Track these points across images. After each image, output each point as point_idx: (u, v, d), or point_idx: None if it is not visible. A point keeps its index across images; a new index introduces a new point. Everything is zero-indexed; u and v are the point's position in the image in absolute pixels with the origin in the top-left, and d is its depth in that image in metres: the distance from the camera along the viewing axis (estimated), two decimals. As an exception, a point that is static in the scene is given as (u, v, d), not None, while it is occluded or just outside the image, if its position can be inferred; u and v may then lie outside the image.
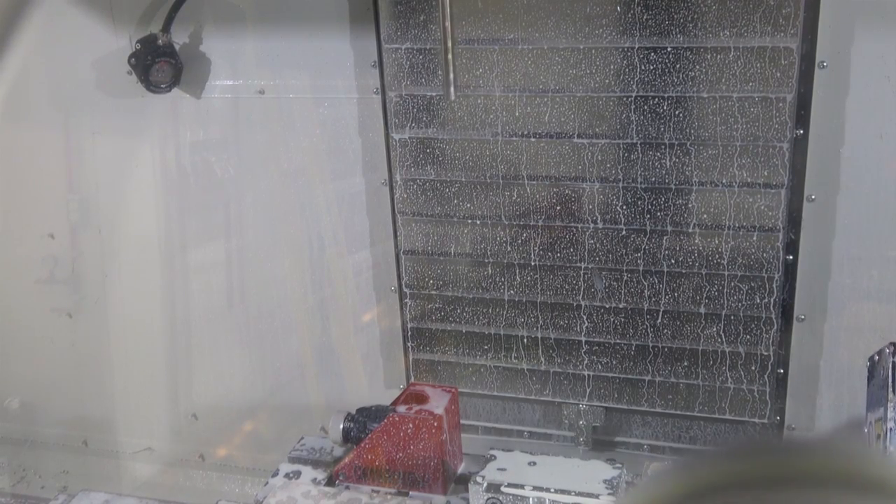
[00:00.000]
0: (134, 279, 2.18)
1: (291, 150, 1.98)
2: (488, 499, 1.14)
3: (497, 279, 1.85)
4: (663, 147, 1.68)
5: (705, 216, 1.69)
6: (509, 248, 1.82)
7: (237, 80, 1.97)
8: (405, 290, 1.92)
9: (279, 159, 2.00)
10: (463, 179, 1.81)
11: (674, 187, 1.69)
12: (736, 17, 1.57)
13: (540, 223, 1.78)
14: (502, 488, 1.13)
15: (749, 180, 1.64)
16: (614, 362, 1.81)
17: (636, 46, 1.64)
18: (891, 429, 1.05)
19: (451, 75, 1.30)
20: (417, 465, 1.27)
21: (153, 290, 2.17)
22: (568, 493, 1.10)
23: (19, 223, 2.24)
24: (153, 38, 1.91)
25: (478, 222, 1.82)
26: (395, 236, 1.90)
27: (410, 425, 1.28)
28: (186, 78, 1.96)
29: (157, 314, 2.17)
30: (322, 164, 1.97)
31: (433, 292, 1.90)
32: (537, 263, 1.81)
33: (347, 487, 1.28)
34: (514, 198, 1.79)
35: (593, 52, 1.67)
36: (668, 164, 1.68)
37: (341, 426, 1.40)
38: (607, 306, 1.79)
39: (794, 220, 1.65)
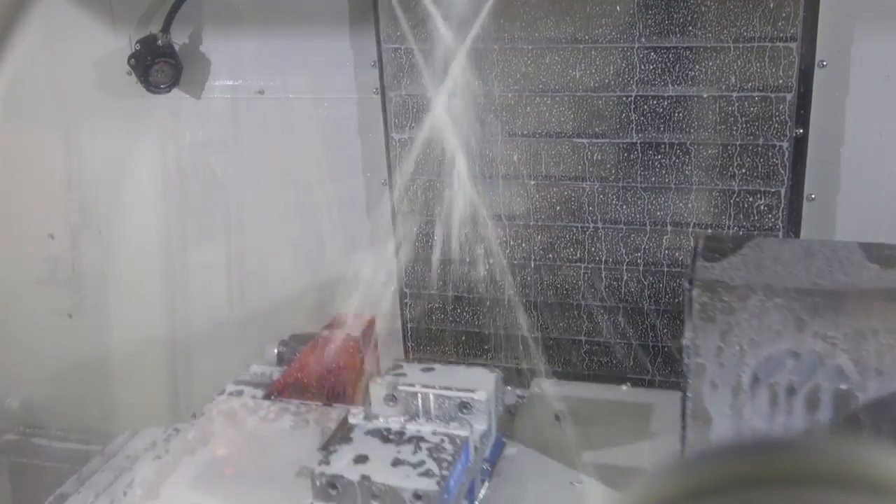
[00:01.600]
0: (134, 279, 2.18)
1: (291, 150, 1.98)
2: (385, 395, 1.31)
3: (497, 279, 1.85)
4: (663, 147, 1.68)
5: (705, 216, 1.69)
6: (510, 248, 1.82)
7: (237, 80, 1.97)
8: (405, 290, 1.92)
9: (279, 159, 2.00)
10: (463, 178, 1.81)
11: (674, 187, 1.69)
12: (736, 17, 1.57)
13: (540, 223, 1.79)
14: (398, 387, 1.32)
15: (749, 180, 1.64)
16: (614, 362, 1.81)
17: (636, 46, 1.64)
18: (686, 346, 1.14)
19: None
20: (339, 381, 1.44)
21: (153, 291, 2.17)
22: (450, 388, 1.32)
23: (19, 223, 2.24)
24: (153, 39, 1.91)
25: (478, 221, 1.82)
26: (395, 236, 1.91)
27: (332, 346, 1.45)
28: (186, 78, 1.96)
29: (157, 314, 2.17)
30: (322, 164, 1.97)
31: (433, 292, 1.90)
32: (539, 263, 1.81)
33: (281, 401, 1.48)
34: (513, 197, 1.79)
35: (593, 51, 1.67)
36: (668, 163, 1.68)
37: (276, 350, 1.60)
38: (607, 305, 1.79)
39: (794, 220, 1.65)
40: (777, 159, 1.62)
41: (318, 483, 1.17)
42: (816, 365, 1.14)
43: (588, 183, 1.74)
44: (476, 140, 1.78)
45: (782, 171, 1.62)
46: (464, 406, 1.31)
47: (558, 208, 1.77)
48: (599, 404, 1.52)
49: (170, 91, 1.95)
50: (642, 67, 1.64)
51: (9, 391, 2.34)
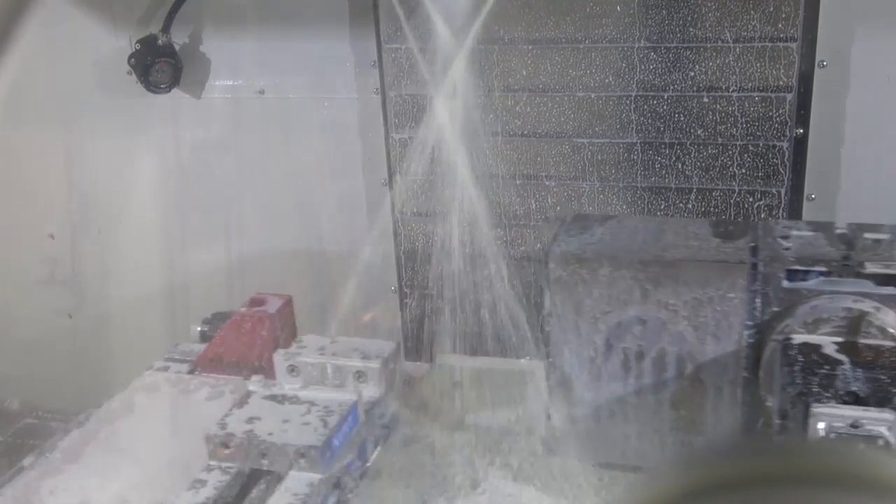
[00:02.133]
0: (134, 279, 2.18)
1: (291, 150, 1.98)
2: (288, 365, 1.41)
3: (497, 278, 1.85)
4: (663, 147, 1.68)
5: (705, 216, 1.69)
6: (509, 247, 1.82)
7: (237, 80, 1.97)
8: (405, 290, 1.92)
9: (279, 159, 2.00)
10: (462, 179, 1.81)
11: (674, 187, 1.69)
12: (736, 17, 1.57)
13: (540, 223, 1.79)
14: (298, 358, 1.41)
15: (749, 180, 1.65)
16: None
17: (636, 46, 1.64)
18: None
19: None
20: (255, 356, 1.50)
21: (153, 291, 2.17)
22: (351, 358, 1.41)
23: (19, 223, 2.24)
24: (153, 39, 1.91)
25: (479, 221, 1.82)
26: (395, 236, 1.91)
27: (248, 323, 1.52)
28: (186, 78, 1.96)
29: (157, 314, 2.17)
30: (322, 164, 1.97)
31: (433, 292, 1.90)
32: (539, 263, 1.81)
33: (202, 375, 1.56)
34: (513, 197, 1.79)
35: (593, 51, 1.67)
36: (668, 163, 1.68)
37: (198, 328, 1.69)
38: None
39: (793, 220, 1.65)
40: (777, 159, 1.62)
41: (212, 443, 1.27)
42: (660, 330, 1.23)
43: (588, 183, 1.74)
44: (476, 140, 1.78)
45: (782, 171, 1.62)
46: (359, 374, 1.40)
47: (558, 208, 1.77)
48: (495, 374, 1.58)
49: (170, 91, 1.95)
50: (642, 67, 1.64)
51: (9, 391, 2.34)
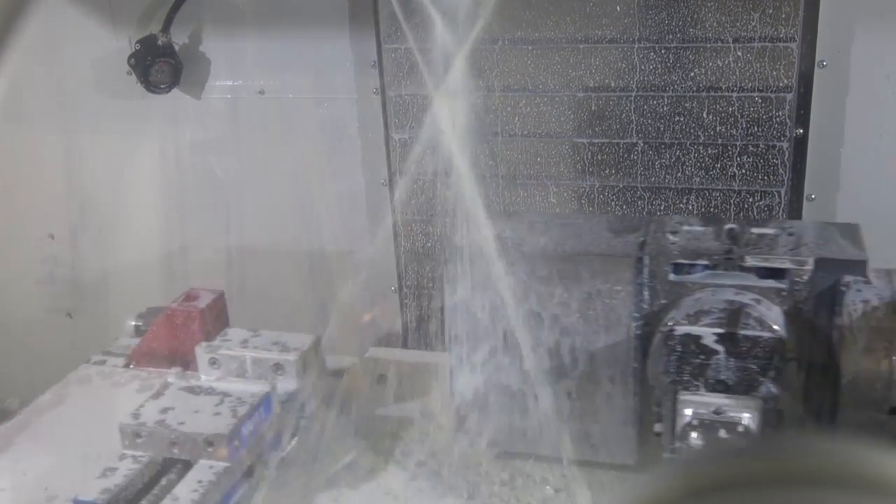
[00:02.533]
0: (134, 279, 2.18)
1: (291, 150, 1.98)
2: (209, 358, 1.45)
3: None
4: (663, 147, 1.68)
5: (705, 216, 1.69)
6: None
7: (237, 80, 1.97)
8: (405, 290, 1.92)
9: (279, 159, 2.00)
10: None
11: (673, 187, 1.69)
12: (736, 17, 1.57)
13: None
14: (219, 351, 1.46)
15: (749, 180, 1.65)
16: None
17: (636, 46, 1.64)
18: None
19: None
20: (187, 350, 1.53)
21: (153, 291, 2.17)
22: (270, 351, 1.46)
23: (19, 223, 2.24)
24: (153, 39, 1.91)
25: (479, 221, 1.82)
26: (395, 236, 1.91)
27: (179, 317, 1.55)
28: (186, 78, 1.96)
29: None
30: (322, 164, 1.97)
31: (433, 292, 1.90)
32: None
33: (135, 369, 1.61)
34: (513, 197, 1.79)
35: (593, 51, 1.67)
36: (668, 164, 1.68)
37: (133, 323, 1.73)
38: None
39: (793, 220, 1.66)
40: (777, 159, 1.62)
41: (124, 432, 1.31)
42: (555, 323, 1.27)
43: (588, 183, 1.74)
44: (476, 140, 1.78)
45: (782, 171, 1.62)
46: (277, 367, 1.45)
47: (558, 209, 1.77)
48: (420, 367, 1.62)
49: (170, 91, 1.95)
50: (642, 67, 1.64)
51: (8, 391, 2.34)
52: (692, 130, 1.65)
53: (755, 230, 1.29)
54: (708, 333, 1.16)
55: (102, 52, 2.00)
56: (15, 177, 2.22)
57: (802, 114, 1.59)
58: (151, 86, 1.93)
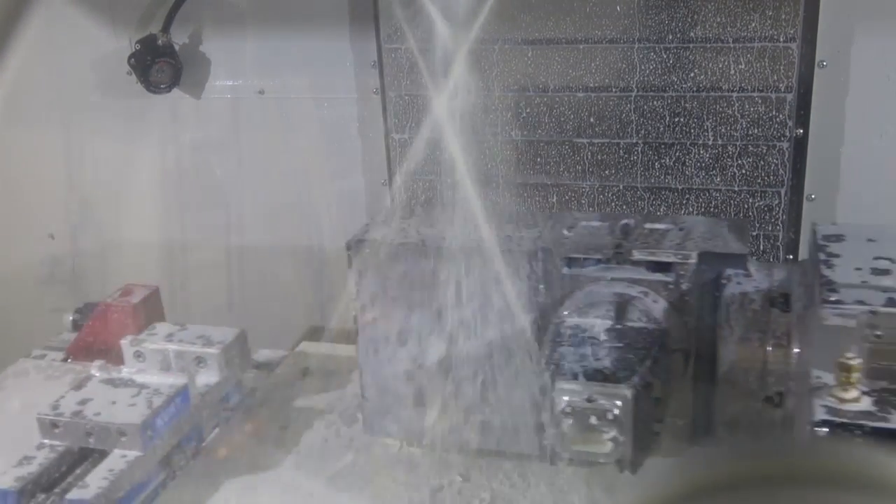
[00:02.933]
0: (134, 279, 2.18)
1: (291, 150, 1.98)
2: (135, 352, 1.50)
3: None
4: (663, 147, 1.68)
5: (706, 216, 1.69)
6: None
7: (237, 80, 1.97)
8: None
9: (279, 159, 2.00)
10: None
11: (673, 187, 1.69)
12: (736, 17, 1.57)
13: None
14: (143, 344, 1.51)
15: (749, 180, 1.65)
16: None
17: (636, 46, 1.64)
18: None
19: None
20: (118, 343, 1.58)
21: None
22: (193, 344, 1.51)
23: (19, 223, 2.24)
24: (153, 39, 1.91)
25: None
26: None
27: (113, 313, 1.61)
28: (186, 78, 1.96)
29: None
30: (322, 164, 1.97)
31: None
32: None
33: (72, 363, 1.64)
34: (513, 197, 1.79)
35: (593, 51, 1.67)
36: (668, 164, 1.68)
37: (70, 317, 1.77)
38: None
39: (793, 220, 1.65)
40: (777, 159, 1.62)
41: (42, 423, 1.35)
42: (453, 315, 1.30)
43: (588, 183, 1.74)
44: (476, 140, 1.78)
45: (782, 171, 1.62)
46: (199, 360, 1.49)
47: (558, 209, 1.77)
48: (342, 361, 1.67)
49: (170, 91, 1.95)
50: (642, 67, 1.64)
51: (9, 391, 2.34)
52: (692, 131, 1.65)
53: (648, 225, 1.34)
54: (595, 325, 1.21)
55: (102, 52, 2.00)
56: (15, 177, 2.22)
57: (802, 114, 1.59)
58: (151, 86, 1.93)
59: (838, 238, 1.24)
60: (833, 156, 1.61)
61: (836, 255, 1.18)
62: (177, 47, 1.93)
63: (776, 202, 1.64)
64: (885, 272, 1.13)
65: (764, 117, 1.60)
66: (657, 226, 1.33)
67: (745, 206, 1.66)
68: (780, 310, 1.18)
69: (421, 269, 1.31)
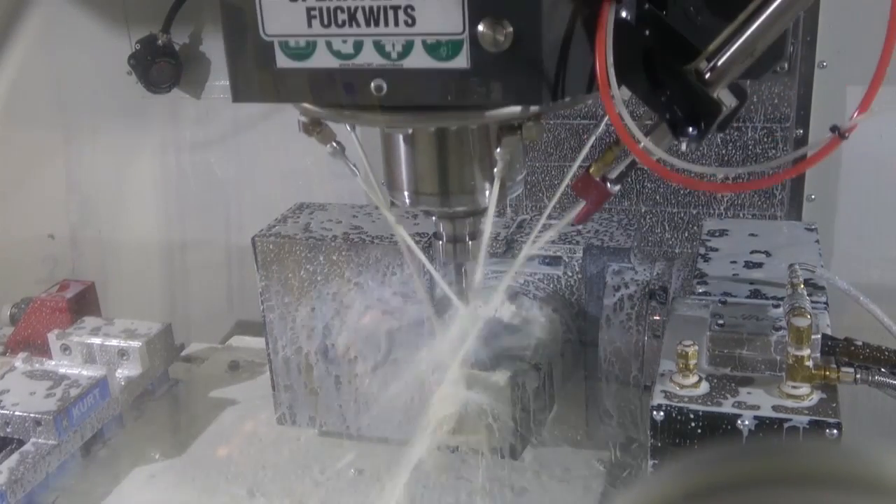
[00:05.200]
0: (134, 279, 2.18)
1: (291, 150, 1.98)
2: (61, 345, 1.55)
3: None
4: (663, 147, 1.67)
5: (705, 216, 1.69)
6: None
7: (237, 79, 1.96)
8: (405, 290, 1.92)
9: (279, 159, 2.00)
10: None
11: (673, 187, 1.69)
12: (736, 17, 1.57)
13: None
14: (69, 338, 1.56)
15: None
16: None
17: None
18: None
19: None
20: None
21: (153, 291, 2.17)
22: (117, 338, 1.56)
23: (19, 223, 2.25)
24: (153, 38, 1.91)
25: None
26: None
27: (47, 307, 1.67)
28: (186, 78, 1.96)
29: (156, 314, 2.17)
30: (322, 164, 1.97)
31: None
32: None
33: (9, 356, 1.67)
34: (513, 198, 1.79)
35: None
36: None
37: (8, 311, 1.82)
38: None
39: (793, 220, 1.65)
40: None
41: None
42: (357, 304, 1.35)
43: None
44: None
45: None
46: (122, 353, 1.55)
47: (557, 210, 1.77)
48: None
49: (170, 91, 1.95)
50: (642, 67, 1.64)
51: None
52: (692, 130, 1.65)
53: (545, 221, 1.35)
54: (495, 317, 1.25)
55: (102, 51, 2.00)
56: (15, 177, 2.22)
57: (802, 114, 1.59)
58: (151, 86, 1.93)
59: (722, 233, 1.33)
60: (833, 156, 1.60)
61: (715, 250, 1.28)
62: (177, 47, 1.93)
63: (776, 202, 1.64)
64: (758, 265, 1.21)
65: (764, 117, 1.60)
66: (553, 221, 1.35)
67: (745, 206, 1.65)
68: (658, 302, 1.24)
69: (322, 264, 1.38)
